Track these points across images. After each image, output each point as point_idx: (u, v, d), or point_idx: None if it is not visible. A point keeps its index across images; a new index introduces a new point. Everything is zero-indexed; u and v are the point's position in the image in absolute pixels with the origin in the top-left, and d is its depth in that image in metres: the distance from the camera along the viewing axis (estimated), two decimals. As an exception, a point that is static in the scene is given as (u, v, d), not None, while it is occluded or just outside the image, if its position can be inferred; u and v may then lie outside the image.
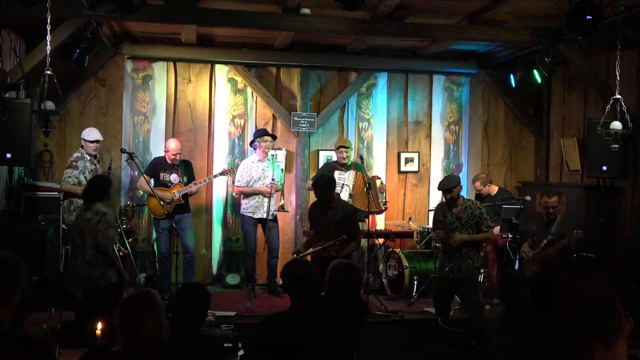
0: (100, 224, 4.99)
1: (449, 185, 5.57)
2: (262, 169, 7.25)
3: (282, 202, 7.33)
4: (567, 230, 5.85)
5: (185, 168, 7.17)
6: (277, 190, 7.24)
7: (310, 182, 5.93)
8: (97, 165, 6.75)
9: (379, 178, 7.63)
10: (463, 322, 5.75)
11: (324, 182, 5.94)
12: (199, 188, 7.17)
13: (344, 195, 7.15)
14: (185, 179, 7.07)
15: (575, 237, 5.63)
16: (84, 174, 6.52)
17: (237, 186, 7.29)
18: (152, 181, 7.00)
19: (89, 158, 6.63)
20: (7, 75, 6.04)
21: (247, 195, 7.21)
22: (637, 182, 6.74)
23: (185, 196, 7.04)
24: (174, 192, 6.92)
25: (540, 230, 6.08)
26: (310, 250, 5.70)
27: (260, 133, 7.33)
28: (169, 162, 7.05)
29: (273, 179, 7.16)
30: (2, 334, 2.33)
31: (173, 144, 7.06)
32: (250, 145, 7.57)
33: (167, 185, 6.99)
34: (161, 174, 7.00)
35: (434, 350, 2.36)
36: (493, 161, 8.58)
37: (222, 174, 7.32)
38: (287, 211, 7.66)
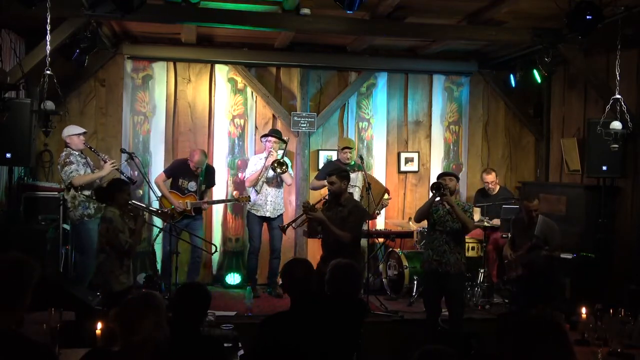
0: (110, 232, 4.97)
1: (450, 172, 5.73)
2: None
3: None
4: (552, 233, 5.98)
5: (207, 175, 7.10)
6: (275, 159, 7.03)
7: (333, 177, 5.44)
8: (88, 159, 6.57)
9: (389, 193, 7.53)
10: (463, 322, 5.73)
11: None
12: (208, 206, 7.26)
13: (355, 197, 7.12)
14: (203, 187, 7.06)
15: (560, 245, 5.79)
16: (79, 166, 6.38)
17: (248, 179, 7.26)
18: (168, 182, 7.02)
19: (77, 153, 6.44)
20: (7, 75, 6.04)
21: (254, 184, 7.13)
22: (637, 182, 6.74)
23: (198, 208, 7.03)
24: (186, 203, 6.87)
25: (520, 233, 6.17)
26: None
27: (272, 133, 7.30)
28: (192, 168, 6.95)
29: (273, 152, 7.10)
30: (6, 335, 2.32)
31: (197, 156, 6.87)
32: (262, 137, 7.51)
33: (183, 192, 6.94)
34: (180, 180, 6.96)
35: (428, 349, 2.35)
36: (493, 161, 8.58)
37: (237, 200, 7.31)
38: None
